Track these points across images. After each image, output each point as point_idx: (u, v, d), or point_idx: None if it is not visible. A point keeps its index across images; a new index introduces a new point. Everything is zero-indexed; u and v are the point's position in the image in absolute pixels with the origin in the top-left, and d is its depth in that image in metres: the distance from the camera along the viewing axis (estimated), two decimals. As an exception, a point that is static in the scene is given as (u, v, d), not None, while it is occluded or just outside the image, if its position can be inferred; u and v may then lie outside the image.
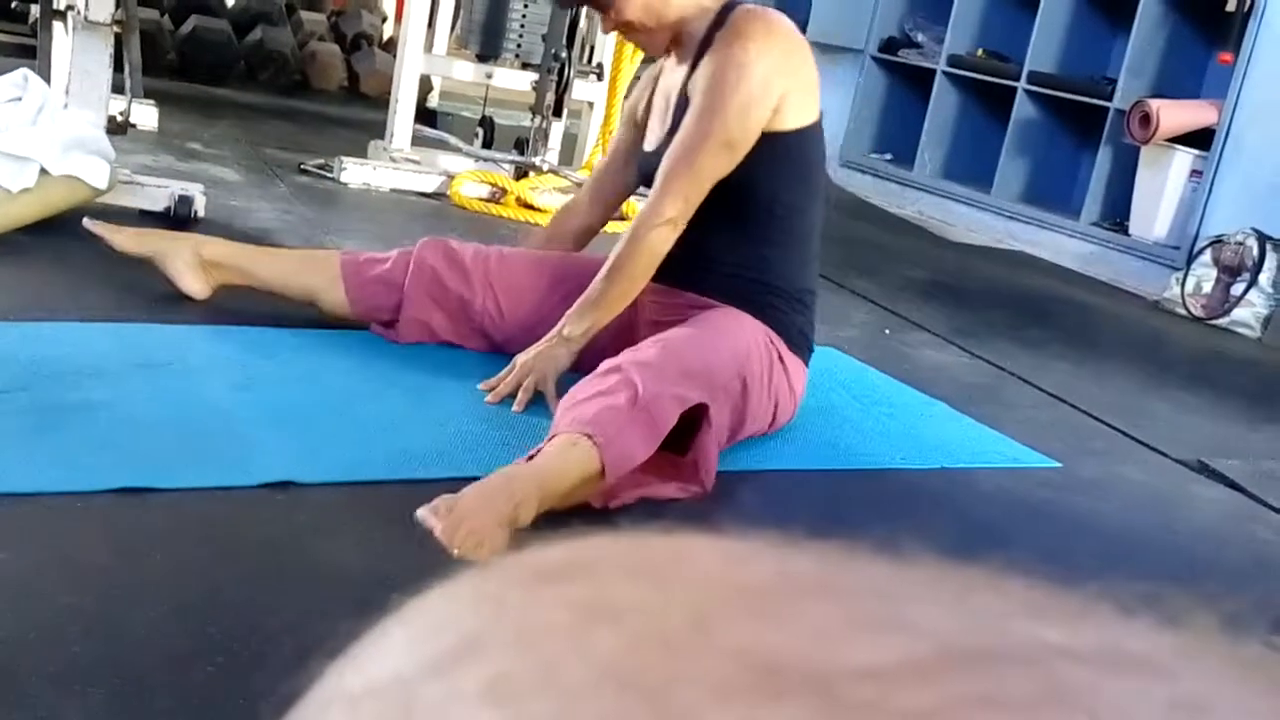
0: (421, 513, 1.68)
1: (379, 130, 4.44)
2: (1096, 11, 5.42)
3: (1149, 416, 2.92)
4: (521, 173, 4.18)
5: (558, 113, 4.25)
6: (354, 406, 2.10)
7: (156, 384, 2.04)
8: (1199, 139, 4.73)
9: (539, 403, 2.20)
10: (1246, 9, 4.71)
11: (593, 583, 0.20)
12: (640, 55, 4.18)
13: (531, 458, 1.84)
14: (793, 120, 2.20)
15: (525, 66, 4.39)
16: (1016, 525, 2.18)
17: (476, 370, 2.31)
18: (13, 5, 6.04)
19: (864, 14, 6.14)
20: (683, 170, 2.18)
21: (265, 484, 1.75)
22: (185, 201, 3.07)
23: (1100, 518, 2.25)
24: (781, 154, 2.22)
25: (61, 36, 3.13)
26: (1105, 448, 2.66)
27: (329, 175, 4.05)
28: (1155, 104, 4.69)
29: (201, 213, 3.09)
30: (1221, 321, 4.30)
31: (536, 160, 4.19)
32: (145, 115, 4.05)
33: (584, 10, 4.18)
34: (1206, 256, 4.42)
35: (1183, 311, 4.41)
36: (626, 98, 4.24)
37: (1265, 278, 4.27)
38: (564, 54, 4.16)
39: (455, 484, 1.88)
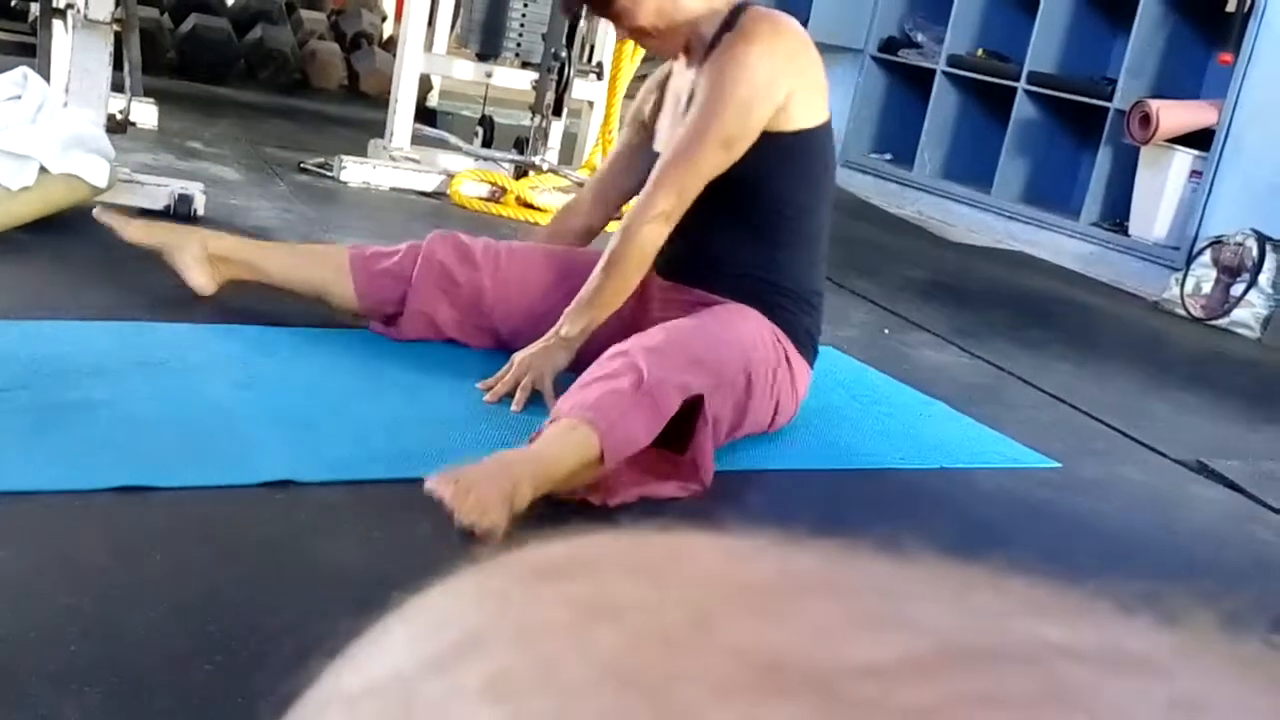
0: (430, 482, 1.69)
1: (379, 129, 4.44)
2: (1096, 12, 5.42)
3: (1149, 417, 2.93)
4: (521, 172, 4.18)
5: (558, 112, 4.25)
6: (353, 405, 2.10)
7: (156, 383, 2.04)
8: (1199, 139, 4.73)
9: (537, 401, 2.20)
10: (1246, 9, 4.71)
11: (593, 581, 0.20)
12: (640, 54, 4.18)
13: (532, 441, 1.85)
14: (800, 121, 2.21)
15: (525, 66, 4.39)
16: (1016, 525, 2.18)
17: (475, 369, 2.31)
18: (12, 3, 6.04)
19: (864, 14, 6.15)
20: (679, 165, 2.18)
21: (265, 483, 1.75)
22: (185, 200, 3.07)
23: (1100, 518, 2.25)
24: (790, 155, 2.22)
25: (61, 35, 3.13)
26: (1105, 448, 2.66)
27: (329, 174, 4.05)
28: (1155, 104, 4.69)
29: (201, 211, 3.09)
30: (1221, 322, 4.30)
31: (536, 159, 4.19)
32: (145, 114, 4.05)
33: (584, 9, 4.19)
34: (1206, 257, 4.42)
35: (1182, 312, 4.41)
36: (628, 98, 4.25)
37: (1265, 278, 4.27)
38: (564, 53, 4.16)
39: (455, 483, 1.88)
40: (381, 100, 4.69)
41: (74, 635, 1.32)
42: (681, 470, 1.98)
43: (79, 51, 2.96)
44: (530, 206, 4.01)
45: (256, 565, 1.56)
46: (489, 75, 4.42)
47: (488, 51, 4.43)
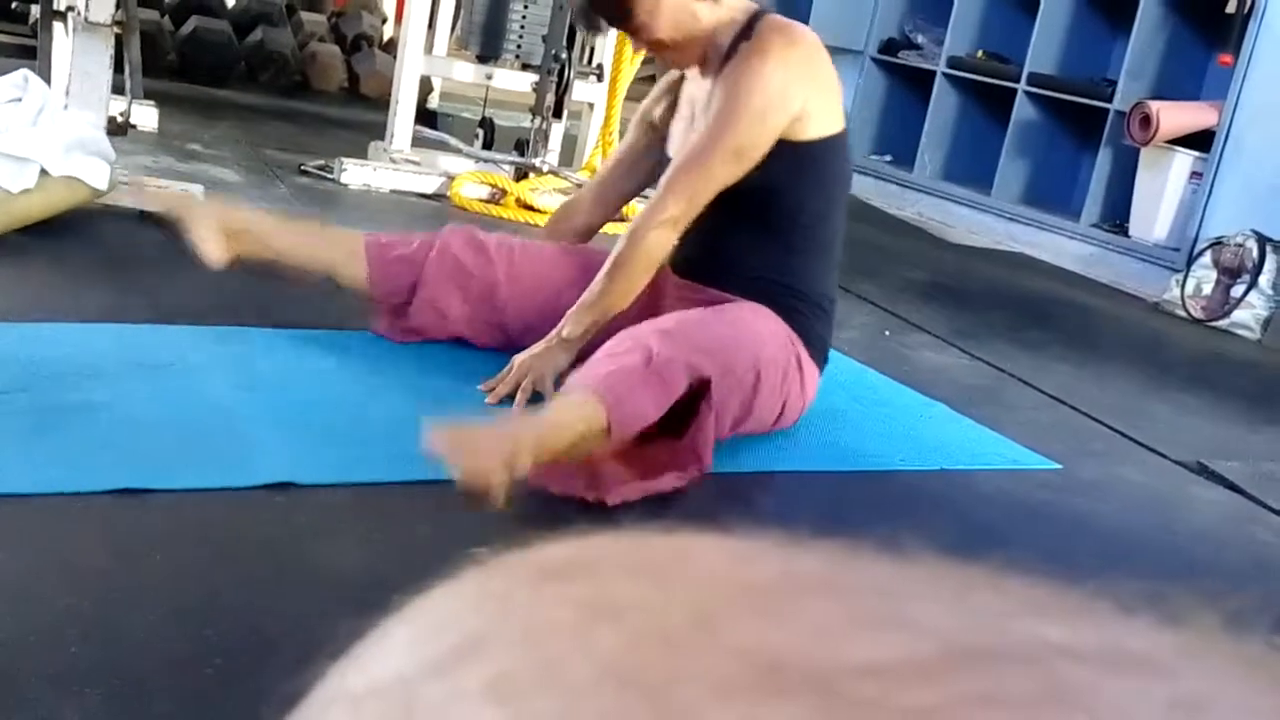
0: (430, 435, 1.68)
1: (379, 131, 4.45)
2: (1096, 13, 5.42)
3: (1149, 418, 2.93)
4: (521, 174, 4.18)
5: (558, 114, 4.25)
6: (354, 407, 2.10)
7: (156, 385, 2.04)
8: (1199, 141, 4.73)
9: (539, 402, 2.20)
10: (1246, 11, 4.71)
11: (595, 581, 0.20)
12: (640, 56, 4.18)
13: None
14: (816, 130, 2.22)
15: (525, 68, 4.39)
16: (1016, 526, 2.18)
17: (476, 371, 2.31)
18: (13, 6, 6.04)
19: (864, 15, 6.15)
20: (691, 172, 2.19)
21: (265, 485, 1.75)
22: (185, 202, 3.06)
23: (1100, 519, 2.25)
24: (807, 163, 2.24)
25: (62, 37, 3.13)
26: (1105, 449, 2.66)
27: (329, 176, 4.05)
28: (1155, 106, 4.69)
29: (201, 214, 3.09)
30: (1221, 323, 4.30)
31: (536, 161, 4.19)
32: (145, 116, 4.05)
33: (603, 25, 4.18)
34: (1206, 258, 4.42)
35: (1183, 313, 4.41)
36: (628, 100, 4.25)
37: (1265, 279, 4.27)
38: (564, 55, 4.16)
39: (455, 486, 1.88)
40: (382, 102, 4.69)
41: (74, 638, 1.32)
42: (679, 457, 1.98)
43: (79, 54, 2.96)
44: (530, 208, 4.01)
45: (256, 568, 1.56)
46: (489, 77, 4.42)
47: (488, 53, 4.43)
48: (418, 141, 4.33)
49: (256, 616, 1.44)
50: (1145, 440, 2.71)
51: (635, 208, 3.76)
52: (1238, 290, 4.30)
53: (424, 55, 4.31)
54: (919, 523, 2.03)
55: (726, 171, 2.19)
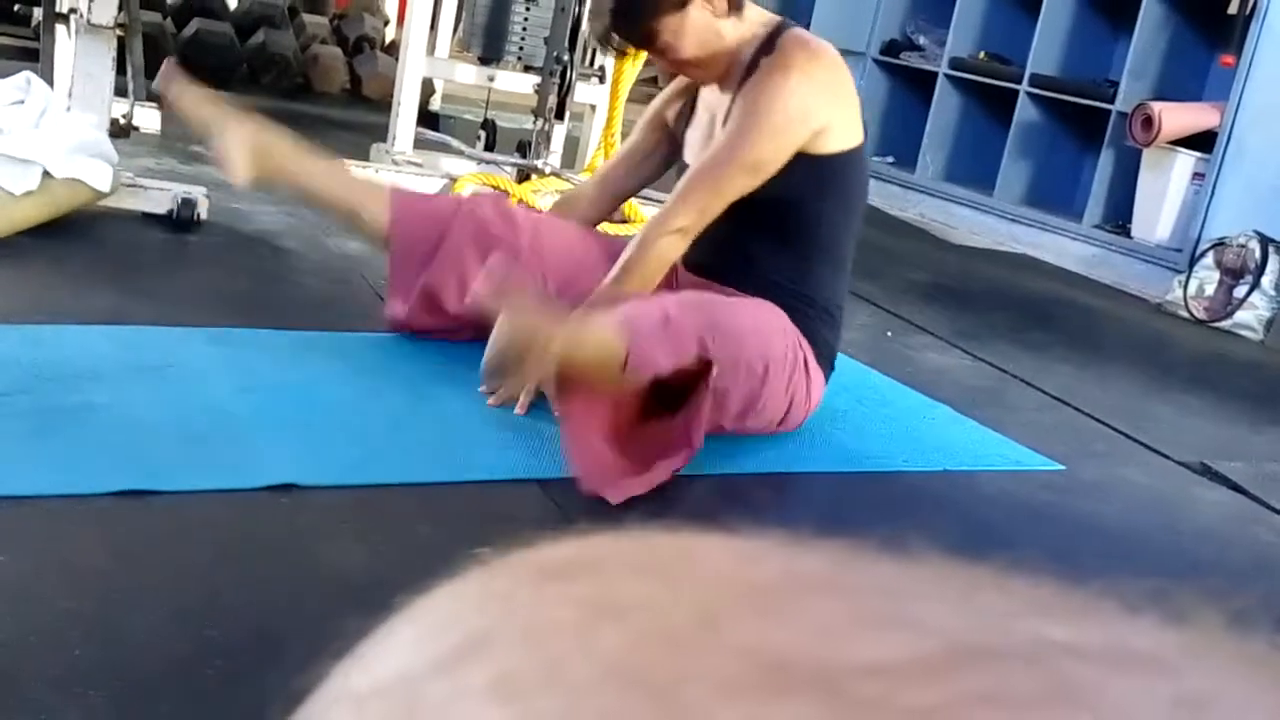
0: (487, 282, 1.84)
1: (381, 133, 4.45)
2: (1098, 14, 5.42)
3: (1151, 419, 2.92)
4: (524, 175, 4.18)
5: (560, 115, 4.25)
6: (356, 408, 2.10)
7: (157, 387, 2.04)
8: (1201, 141, 4.72)
9: (541, 404, 2.20)
10: (1248, 11, 4.71)
11: (598, 580, 0.20)
12: (642, 58, 4.18)
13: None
14: (836, 144, 2.24)
15: (527, 69, 4.39)
16: (1019, 527, 2.18)
17: (478, 372, 2.31)
18: (15, 8, 6.05)
19: (865, 17, 6.15)
20: (705, 183, 2.20)
21: (267, 486, 1.75)
22: (188, 204, 3.07)
23: (1103, 520, 2.25)
24: (825, 176, 2.26)
25: (64, 40, 3.13)
26: (1108, 450, 2.66)
27: (331, 178, 4.04)
28: (1157, 106, 4.68)
29: (204, 215, 3.09)
30: (1224, 324, 4.30)
31: (539, 163, 4.19)
32: (148, 118, 4.05)
33: (586, 13, 4.19)
34: (1209, 259, 4.42)
35: (1185, 314, 4.41)
36: (630, 101, 4.25)
37: (1268, 280, 4.27)
38: (566, 57, 4.16)
39: (457, 487, 1.89)
40: (384, 104, 4.70)
41: (76, 639, 1.32)
42: (672, 437, 1.99)
43: (82, 56, 2.96)
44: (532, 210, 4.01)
45: (259, 568, 1.56)
46: (491, 79, 4.42)
47: (490, 55, 4.43)
48: (420, 143, 4.33)
49: (259, 617, 1.44)
50: (1148, 441, 2.71)
51: (636, 207, 3.77)
52: (1240, 291, 4.30)
53: (426, 57, 4.31)
54: (922, 523, 2.03)
55: (741, 184, 2.20)
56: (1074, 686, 0.18)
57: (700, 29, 2.24)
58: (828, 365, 2.34)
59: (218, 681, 1.30)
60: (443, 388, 2.26)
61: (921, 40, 6.05)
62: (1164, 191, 4.78)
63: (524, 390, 2.20)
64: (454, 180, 4.07)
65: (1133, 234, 4.93)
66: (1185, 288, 4.44)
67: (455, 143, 4.39)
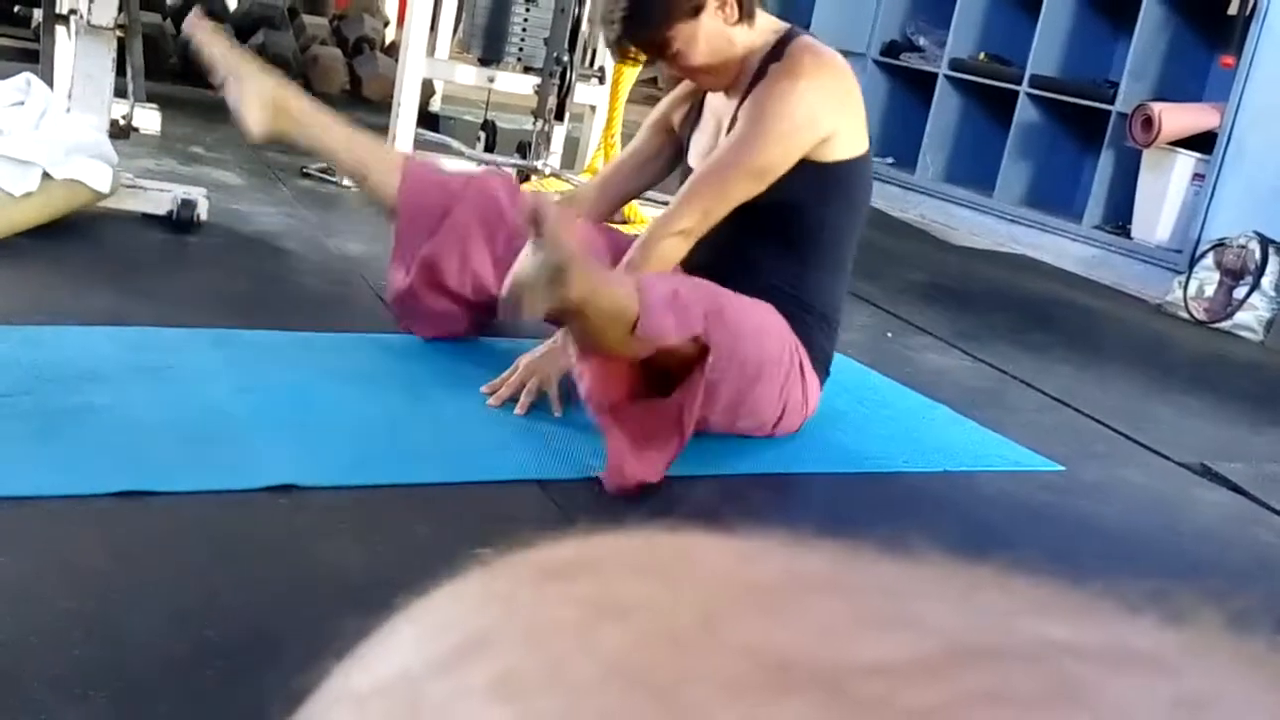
0: (530, 204, 1.86)
1: (381, 134, 4.44)
2: (1098, 15, 5.42)
3: (1151, 420, 2.92)
4: (524, 176, 4.18)
5: (560, 116, 4.25)
6: (356, 409, 2.10)
7: (157, 387, 2.04)
8: (1201, 142, 4.73)
9: (542, 405, 2.20)
10: (1248, 12, 4.71)
11: (600, 580, 0.20)
12: (642, 59, 4.18)
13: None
14: (841, 152, 2.25)
15: (527, 70, 4.39)
16: (1019, 528, 2.18)
17: (479, 373, 2.31)
18: (15, 10, 6.05)
19: (866, 17, 6.15)
20: (710, 187, 2.21)
21: (267, 487, 1.75)
22: (188, 205, 3.07)
23: (1103, 521, 2.25)
24: (829, 184, 2.26)
25: (64, 41, 3.13)
26: (1108, 451, 2.66)
27: (331, 179, 4.05)
28: (1157, 107, 4.69)
29: (204, 216, 3.10)
30: (1224, 325, 4.30)
31: (539, 164, 4.19)
32: (148, 119, 4.06)
33: (586, 14, 4.19)
34: (1209, 260, 4.42)
35: (1185, 315, 4.41)
36: (630, 102, 4.25)
37: (1268, 281, 4.27)
38: (566, 58, 4.16)
39: (457, 487, 1.89)
40: (384, 105, 4.70)
41: (76, 640, 1.32)
42: (665, 418, 2.00)
43: (82, 57, 2.96)
44: (532, 211, 4.01)
45: (258, 569, 1.56)
46: (491, 80, 4.42)
47: (490, 56, 4.43)
48: (420, 144, 4.33)
49: (258, 618, 1.44)
50: (1148, 442, 2.71)
51: (637, 209, 3.77)
52: (1240, 292, 4.30)
53: (426, 58, 4.31)
54: (922, 524, 2.03)
55: (745, 189, 2.20)
56: (1074, 686, 0.18)
57: (712, 36, 2.24)
58: (823, 371, 2.35)
59: (217, 682, 1.30)
60: (442, 388, 2.26)
61: (921, 41, 6.05)
62: (1164, 192, 4.78)
63: (526, 391, 2.21)
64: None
65: (1133, 235, 4.93)
66: (1185, 289, 4.44)
67: (455, 144, 4.39)
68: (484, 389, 2.25)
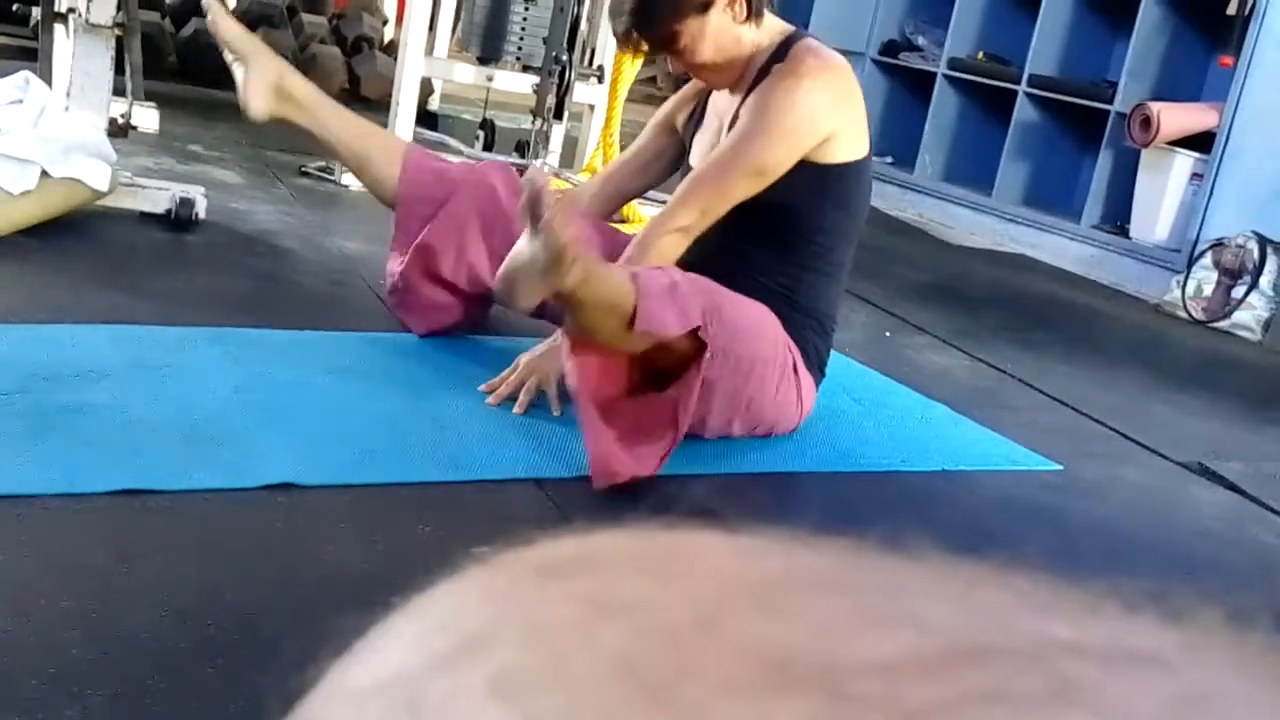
0: (529, 193, 1.83)
1: (380, 133, 4.44)
2: (1097, 14, 5.42)
3: (1150, 419, 2.93)
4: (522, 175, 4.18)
5: (559, 115, 4.25)
6: (354, 408, 2.10)
7: (156, 386, 2.04)
8: (1199, 142, 4.73)
9: (541, 404, 2.20)
10: (1247, 12, 4.71)
11: (599, 578, 0.20)
12: (641, 58, 4.18)
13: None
14: (841, 155, 2.25)
15: (526, 69, 4.39)
16: (1018, 527, 2.18)
17: (477, 372, 2.31)
18: (14, 8, 6.04)
19: (864, 17, 6.15)
20: (709, 184, 2.21)
21: (266, 486, 1.75)
22: (186, 204, 3.07)
23: (1101, 520, 2.25)
24: (830, 186, 2.26)
25: (63, 39, 3.13)
26: (1106, 450, 2.66)
27: (330, 178, 4.05)
28: (1156, 107, 4.69)
29: (203, 215, 3.09)
30: (1222, 324, 4.30)
31: (537, 163, 4.19)
32: (146, 118, 4.05)
33: (585, 13, 4.19)
34: (1207, 259, 4.42)
35: (1183, 314, 4.41)
36: (629, 101, 4.25)
37: (1266, 280, 4.27)
38: (565, 57, 4.16)
39: (456, 486, 1.89)
40: (382, 104, 4.69)
41: (74, 639, 1.32)
42: (659, 418, 2.00)
43: (80, 56, 2.96)
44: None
45: (257, 568, 1.56)
46: (490, 79, 4.42)
47: (489, 55, 4.43)
48: (418, 143, 4.32)
49: (258, 616, 1.44)
50: (1146, 441, 2.71)
51: (636, 208, 3.77)
52: (1238, 291, 4.30)
53: (425, 57, 4.31)
54: (921, 523, 2.03)
55: (745, 188, 2.20)
56: (1074, 685, 0.18)
57: (720, 33, 2.24)
58: (818, 371, 2.34)
59: (216, 680, 1.30)
60: (441, 387, 2.26)
61: (920, 40, 6.05)
62: (1162, 192, 4.79)
63: (525, 389, 2.21)
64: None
65: (1131, 234, 4.93)
66: (1183, 288, 4.44)
67: (454, 142, 4.39)
68: (482, 388, 2.25)
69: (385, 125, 4.31)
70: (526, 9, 4.33)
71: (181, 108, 4.74)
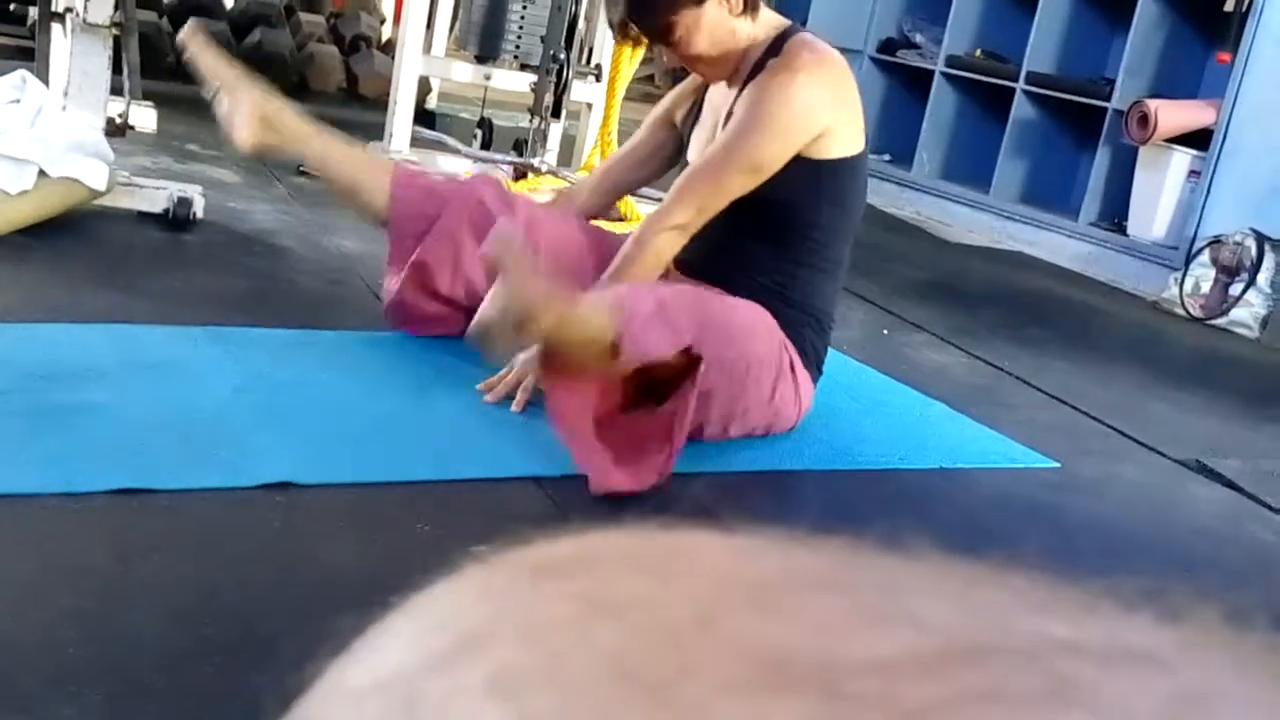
0: (495, 244, 1.87)
1: (377, 132, 4.44)
2: (1094, 12, 5.42)
3: (1147, 416, 2.93)
4: (520, 174, 4.18)
5: (556, 114, 4.25)
6: (353, 407, 2.10)
7: (155, 385, 2.04)
8: (1197, 139, 4.73)
9: (538, 402, 2.20)
10: (1244, 9, 4.71)
11: (596, 577, 0.20)
12: (639, 56, 4.18)
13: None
14: (836, 150, 2.25)
15: (524, 68, 4.39)
16: (1016, 525, 2.18)
17: (475, 372, 2.31)
18: (11, 7, 6.04)
19: (862, 14, 6.15)
20: (705, 181, 2.20)
21: (264, 485, 1.75)
22: (184, 203, 3.07)
23: (1099, 518, 2.25)
24: (824, 182, 2.25)
25: (60, 39, 3.13)
26: (1104, 448, 2.66)
27: (327, 177, 4.04)
28: (1153, 104, 4.69)
29: (200, 214, 3.09)
30: (1220, 322, 4.30)
31: (535, 161, 4.19)
32: (144, 117, 4.04)
33: (582, 11, 4.19)
34: (1205, 257, 4.42)
35: (1181, 312, 4.41)
36: (627, 99, 4.25)
37: (1263, 278, 4.27)
38: (562, 55, 4.16)
39: (454, 485, 1.89)
40: (380, 103, 4.69)
41: (72, 638, 1.32)
42: (655, 433, 1.99)
43: (78, 55, 2.95)
44: (529, 208, 4.00)
45: (256, 567, 1.56)
46: (488, 77, 4.42)
47: (486, 54, 4.43)
48: (416, 142, 4.32)
49: (256, 616, 1.44)
50: (1144, 438, 2.71)
51: (633, 205, 3.77)
52: (1236, 288, 4.30)
53: (422, 56, 4.31)
54: (919, 521, 2.03)
55: (740, 184, 2.20)
56: (1072, 683, 0.18)
57: (715, 26, 2.24)
58: (815, 369, 2.34)
59: (214, 679, 1.30)
60: (439, 386, 2.26)
61: (918, 38, 6.05)
62: (1160, 189, 4.79)
63: (521, 388, 2.21)
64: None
65: (1129, 231, 4.93)
66: (1181, 285, 4.44)
67: (452, 141, 4.38)
68: (480, 386, 2.24)
69: (383, 124, 4.31)
70: (524, 7, 4.33)
71: (179, 107, 4.73)
